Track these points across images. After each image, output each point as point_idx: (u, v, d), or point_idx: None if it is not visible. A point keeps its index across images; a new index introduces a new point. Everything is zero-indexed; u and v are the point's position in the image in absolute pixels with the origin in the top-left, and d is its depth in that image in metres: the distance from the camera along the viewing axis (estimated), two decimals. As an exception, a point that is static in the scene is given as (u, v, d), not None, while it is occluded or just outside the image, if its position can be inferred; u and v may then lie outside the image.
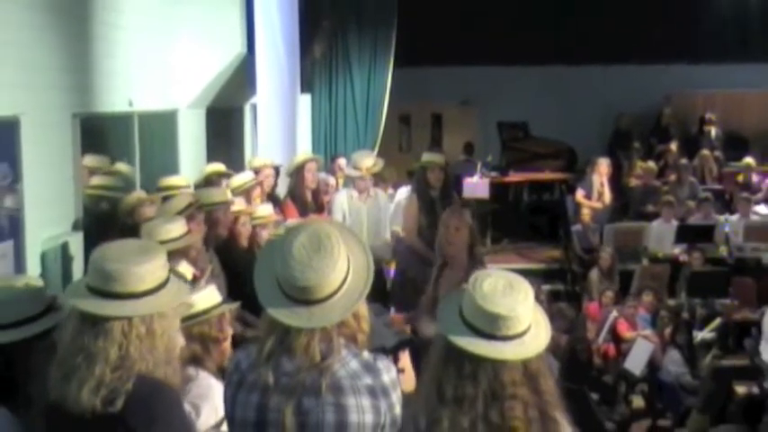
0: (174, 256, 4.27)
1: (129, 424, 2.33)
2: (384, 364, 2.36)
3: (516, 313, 2.25)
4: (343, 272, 2.32)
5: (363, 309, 2.39)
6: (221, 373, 3.39)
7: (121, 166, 6.83)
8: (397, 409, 2.34)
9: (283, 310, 2.29)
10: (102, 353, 2.34)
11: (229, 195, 5.89)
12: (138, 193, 5.98)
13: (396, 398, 2.34)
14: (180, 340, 2.94)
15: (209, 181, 6.79)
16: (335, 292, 2.30)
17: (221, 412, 3.15)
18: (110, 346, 2.34)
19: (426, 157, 7.35)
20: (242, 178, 6.80)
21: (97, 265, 2.42)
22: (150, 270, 2.42)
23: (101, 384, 2.32)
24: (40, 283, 2.73)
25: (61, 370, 2.38)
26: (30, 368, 2.59)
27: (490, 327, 2.24)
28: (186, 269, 3.60)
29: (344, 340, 2.33)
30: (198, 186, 6.77)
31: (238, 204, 5.94)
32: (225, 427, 3.14)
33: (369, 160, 7.95)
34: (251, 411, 2.33)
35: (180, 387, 2.55)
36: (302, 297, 2.28)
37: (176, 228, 4.62)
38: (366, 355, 2.35)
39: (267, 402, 2.30)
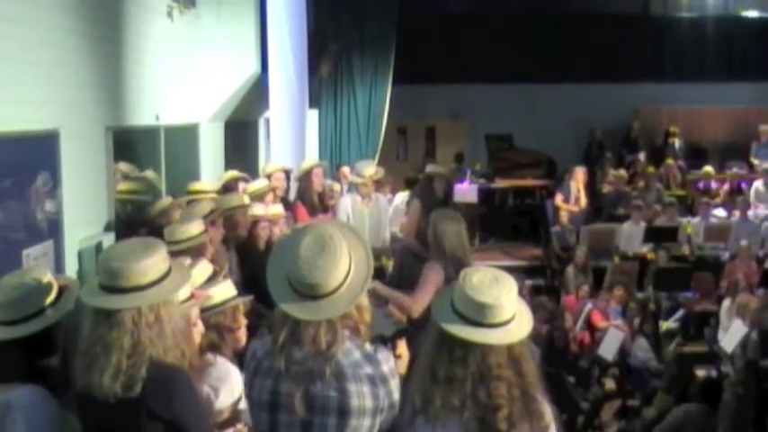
0: (192, 253, 4.28)
1: (148, 406, 2.33)
2: (383, 355, 2.35)
3: (501, 303, 2.25)
4: (345, 268, 2.31)
5: (365, 301, 2.37)
6: (237, 358, 3.39)
7: (147, 173, 6.82)
8: (395, 396, 2.34)
9: (294, 305, 2.28)
10: (116, 342, 2.33)
11: (246, 199, 5.87)
12: (169, 199, 5.98)
13: (394, 385, 2.33)
14: (200, 327, 2.94)
15: (227, 187, 6.77)
16: (340, 287, 2.29)
17: (237, 393, 3.16)
18: (123, 336, 2.34)
19: (435, 168, 7.34)
20: (257, 184, 6.79)
21: (104, 265, 2.43)
22: (151, 264, 2.41)
23: (119, 371, 2.32)
24: (44, 273, 2.68)
25: (84, 361, 2.37)
26: (66, 353, 2.59)
27: (478, 315, 2.24)
28: (206, 266, 3.60)
29: (348, 331, 2.33)
30: (217, 192, 6.77)
31: (258, 209, 5.93)
32: (242, 404, 3.15)
33: (371, 169, 7.97)
34: (265, 394, 2.34)
35: (192, 368, 2.54)
36: (310, 293, 2.28)
37: (193, 228, 4.62)
38: (368, 347, 2.34)
39: (279, 387, 2.31)
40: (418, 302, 4.83)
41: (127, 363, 2.32)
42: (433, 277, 4.91)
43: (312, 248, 2.29)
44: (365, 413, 2.28)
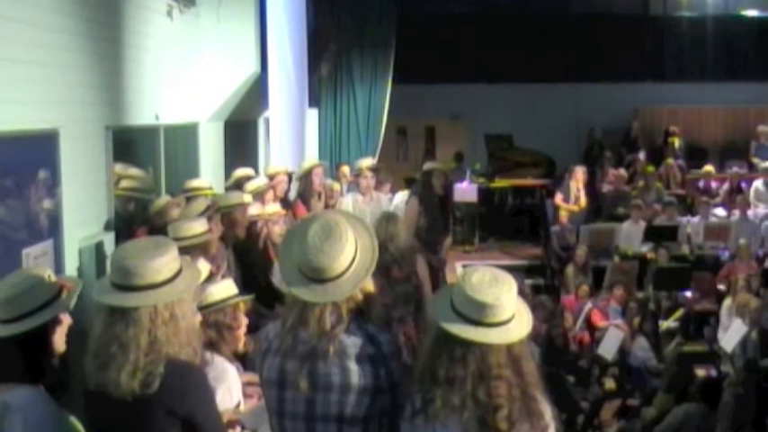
0: (194, 251, 4.28)
1: (165, 403, 2.36)
2: (385, 337, 2.43)
3: (501, 302, 2.25)
4: (351, 253, 2.40)
5: (370, 285, 2.46)
6: (236, 357, 3.39)
7: (144, 173, 6.80)
8: (396, 376, 2.39)
9: (302, 287, 2.38)
10: (133, 340, 2.36)
11: (246, 198, 5.87)
12: (166, 198, 5.98)
13: (395, 366, 2.39)
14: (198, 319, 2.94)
15: (238, 183, 6.78)
16: (345, 271, 2.39)
17: (235, 393, 3.15)
18: (140, 334, 2.37)
19: (431, 165, 7.40)
20: (256, 183, 6.79)
21: (118, 264, 2.44)
22: (165, 262, 2.44)
23: (137, 369, 2.34)
24: (44, 272, 2.67)
25: (97, 360, 2.39)
26: (64, 353, 2.58)
27: (478, 314, 2.24)
28: (204, 265, 3.60)
29: (352, 314, 2.41)
30: (228, 188, 6.86)
31: (256, 209, 5.92)
32: (242, 407, 3.14)
33: (367, 161, 8.01)
34: (274, 373, 2.42)
35: (202, 362, 2.56)
36: (317, 276, 2.37)
37: (198, 226, 4.63)
38: (371, 328, 2.42)
39: (286, 366, 2.40)
40: None
41: (144, 360, 2.35)
42: None
43: (319, 234, 2.39)
44: (365, 391, 2.35)
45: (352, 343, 2.37)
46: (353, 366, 2.35)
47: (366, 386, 2.35)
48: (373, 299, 2.47)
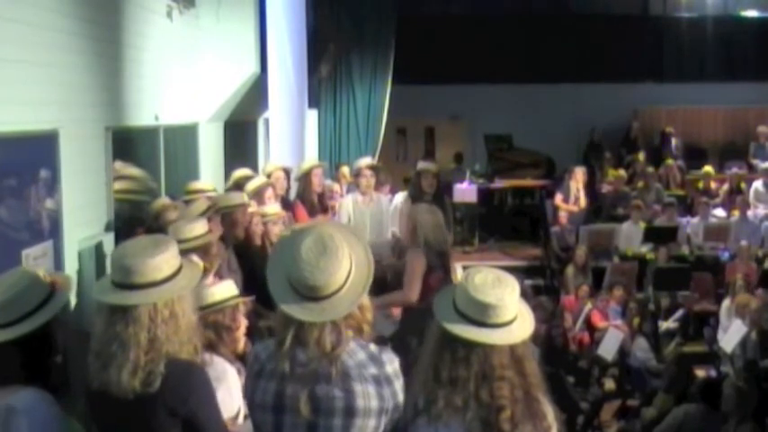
0: (196, 251, 4.27)
1: (166, 402, 2.35)
2: (388, 356, 2.35)
3: (504, 303, 2.25)
4: (346, 269, 2.31)
5: (367, 300, 2.38)
6: (236, 358, 3.38)
7: (142, 173, 6.78)
8: (400, 397, 2.33)
9: (296, 306, 2.28)
10: (133, 338, 2.35)
11: (246, 198, 5.87)
12: (163, 200, 5.97)
13: (398, 386, 2.32)
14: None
15: (238, 184, 6.77)
16: (341, 288, 2.29)
17: (235, 394, 3.14)
18: (140, 332, 2.36)
19: (421, 165, 7.47)
20: (255, 182, 6.79)
21: (118, 262, 2.43)
22: (165, 259, 2.43)
23: (137, 367, 2.33)
24: (36, 272, 2.63)
25: (99, 359, 2.38)
26: (65, 353, 2.58)
27: (481, 315, 2.24)
28: (197, 262, 3.58)
29: (352, 331, 2.33)
30: (228, 189, 6.84)
31: (252, 207, 5.92)
32: (240, 419, 3.13)
33: (366, 160, 8.03)
34: (269, 397, 2.32)
35: (201, 363, 2.55)
36: (312, 294, 2.28)
37: (199, 227, 4.62)
38: (372, 347, 2.34)
39: (284, 390, 2.30)
40: (412, 291, 5.26)
41: (145, 359, 2.34)
42: (416, 264, 5.31)
43: (313, 250, 2.29)
44: (370, 413, 2.28)
45: (355, 363, 2.28)
46: (358, 388, 2.26)
47: (371, 408, 2.27)
48: (371, 315, 2.38)
